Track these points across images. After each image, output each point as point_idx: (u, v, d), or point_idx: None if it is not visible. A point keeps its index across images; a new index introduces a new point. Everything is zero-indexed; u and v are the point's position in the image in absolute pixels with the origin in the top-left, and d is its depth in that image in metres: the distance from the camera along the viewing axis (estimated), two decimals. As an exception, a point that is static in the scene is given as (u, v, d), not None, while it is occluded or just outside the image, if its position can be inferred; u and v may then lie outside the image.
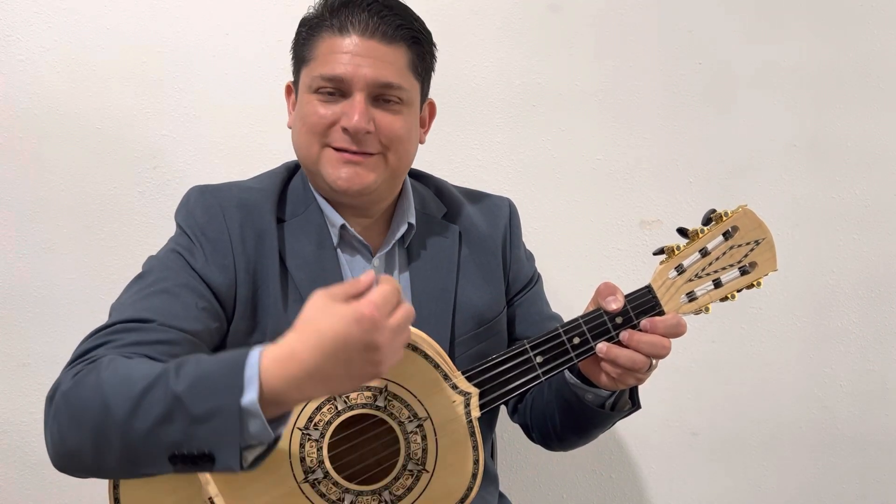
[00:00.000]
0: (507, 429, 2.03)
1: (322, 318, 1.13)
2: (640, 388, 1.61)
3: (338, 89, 1.54)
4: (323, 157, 1.55)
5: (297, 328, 1.15)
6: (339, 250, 1.62)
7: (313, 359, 1.12)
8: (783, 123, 2.43)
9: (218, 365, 1.18)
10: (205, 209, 1.54)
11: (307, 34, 1.60)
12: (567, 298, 1.95)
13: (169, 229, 1.59)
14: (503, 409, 1.85)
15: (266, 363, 1.14)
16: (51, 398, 1.27)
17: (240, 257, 1.52)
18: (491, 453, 1.90)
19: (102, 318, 1.40)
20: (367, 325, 1.11)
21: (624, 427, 2.42)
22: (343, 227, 1.61)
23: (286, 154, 1.70)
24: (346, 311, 1.12)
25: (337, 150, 1.54)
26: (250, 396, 1.13)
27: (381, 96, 1.55)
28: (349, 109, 1.52)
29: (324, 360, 1.12)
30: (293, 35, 1.66)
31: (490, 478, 1.75)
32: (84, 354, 1.31)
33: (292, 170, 1.70)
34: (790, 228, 2.44)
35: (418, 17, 1.63)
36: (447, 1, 2.29)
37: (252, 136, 2.24)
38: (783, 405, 2.50)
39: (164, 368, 1.19)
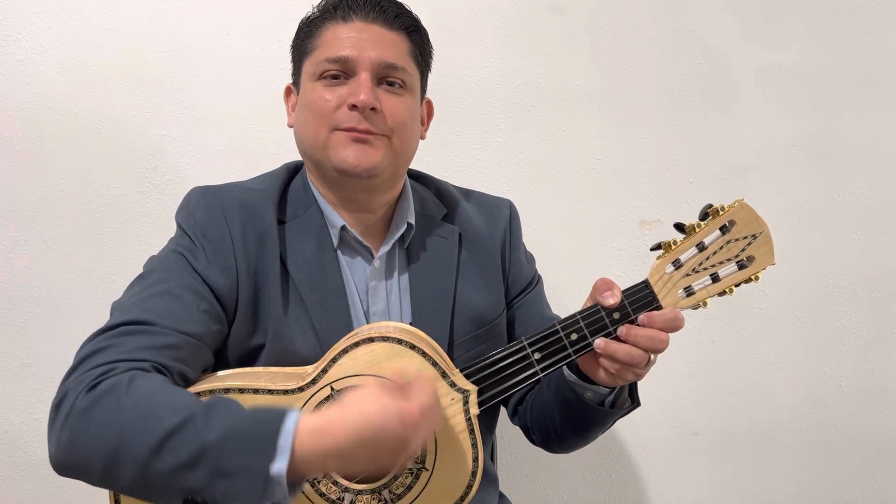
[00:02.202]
0: (507, 430, 2.03)
1: (369, 405, 1.17)
2: (640, 388, 1.61)
3: (342, 72, 1.55)
4: (331, 140, 1.55)
5: (341, 405, 1.19)
6: (339, 251, 1.62)
7: (349, 440, 1.16)
8: (783, 123, 2.43)
9: (253, 422, 1.20)
10: (206, 210, 1.54)
11: (308, 29, 1.63)
12: (567, 298, 1.95)
13: (169, 229, 1.59)
14: (503, 411, 1.84)
15: (301, 433, 1.16)
16: (58, 405, 1.26)
17: (241, 259, 1.51)
18: (491, 455, 1.89)
19: (103, 319, 1.40)
20: (411, 428, 1.17)
21: (624, 427, 2.42)
22: (343, 228, 1.61)
23: (286, 154, 1.70)
24: (395, 407, 1.16)
25: (345, 130, 1.54)
26: (279, 466, 1.15)
27: (385, 78, 1.57)
28: (355, 88, 1.53)
29: (358, 444, 1.16)
30: (293, 35, 1.67)
31: (490, 479, 1.74)
32: (90, 357, 1.31)
33: (293, 171, 1.70)
34: (790, 228, 2.44)
35: (414, 12, 1.67)
36: (447, 1, 2.29)
37: (252, 136, 2.24)
38: (783, 405, 2.50)
39: (192, 410, 1.20)
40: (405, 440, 1.17)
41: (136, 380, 1.25)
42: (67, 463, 1.25)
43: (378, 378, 1.21)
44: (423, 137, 1.72)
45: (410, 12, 1.65)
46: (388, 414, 1.16)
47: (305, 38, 1.63)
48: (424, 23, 1.69)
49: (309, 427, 1.17)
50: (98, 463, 1.21)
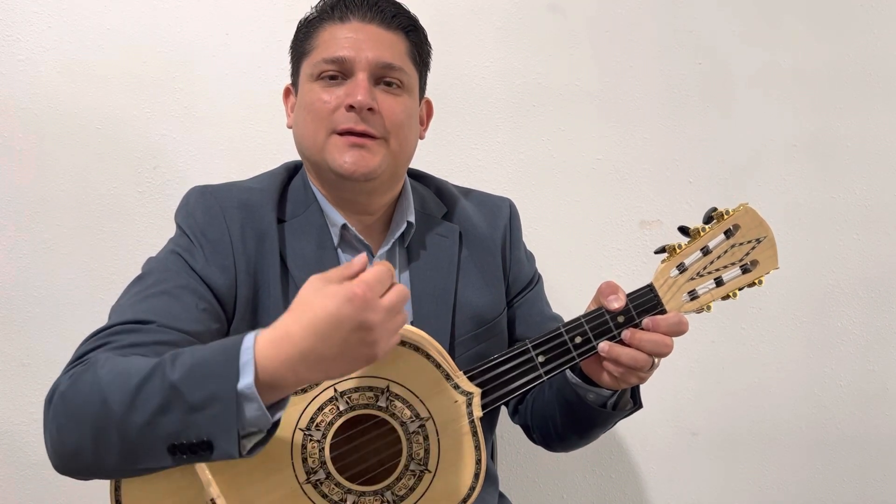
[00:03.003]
0: (508, 430, 2.03)
1: (315, 298, 1.15)
2: (641, 388, 1.61)
3: (340, 72, 1.55)
4: (329, 143, 1.54)
5: (292, 309, 1.17)
6: (339, 250, 1.61)
7: (307, 339, 1.13)
8: (783, 123, 2.44)
9: (213, 351, 1.18)
10: (205, 210, 1.54)
11: (306, 30, 1.63)
12: (567, 298, 1.95)
13: (169, 229, 1.59)
14: (504, 409, 1.85)
15: (261, 346, 1.15)
16: (49, 400, 1.27)
17: (240, 258, 1.51)
18: (491, 454, 1.89)
19: (102, 318, 1.40)
20: (360, 304, 1.12)
21: (624, 427, 2.42)
22: (344, 226, 1.61)
23: (286, 154, 1.70)
24: (339, 290, 1.13)
25: (342, 133, 1.53)
26: (246, 381, 1.14)
27: (382, 78, 1.57)
28: (353, 89, 1.53)
29: (317, 339, 1.13)
30: (292, 36, 1.67)
31: (490, 478, 1.74)
32: (83, 356, 1.31)
33: (292, 170, 1.70)
34: (790, 228, 2.44)
35: (412, 13, 1.67)
36: (447, 1, 2.29)
37: (252, 136, 2.24)
38: (783, 405, 2.51)
39: (160, 360, 1.20)
40: (364, 320, 1.13)
41: (112, 358, 1.26)
42: (62, 453, 1.25)
43: (321, 273, 1.18)
44: (422, 137, 1.72)
45: (408, 12, 1.66)
46: (336, 299, 1.12)
47: (303, 38, 1.63)
48: (424, 23, 1.69)
49: (267, 338, 1.15)
50: (87, 441, 1.21)
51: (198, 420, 1.15)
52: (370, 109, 1.53)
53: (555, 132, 2.37)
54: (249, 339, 1.16)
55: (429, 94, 1.76)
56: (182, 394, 1.15)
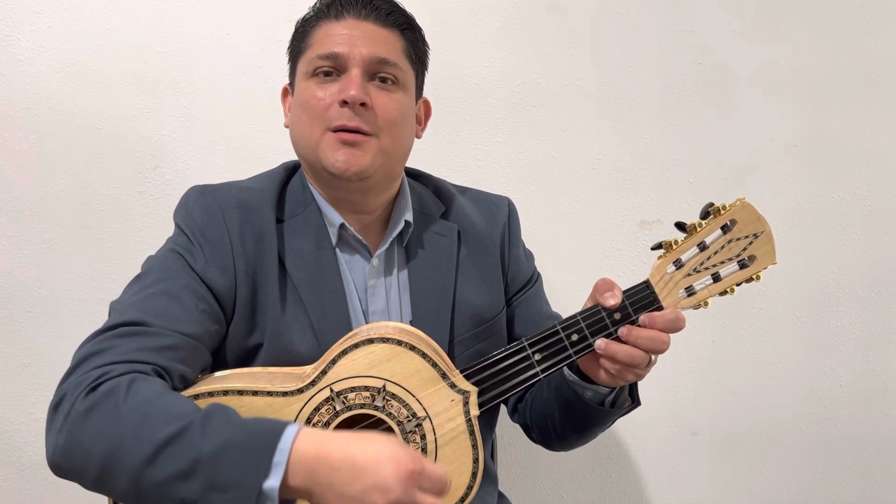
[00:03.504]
0: (507, 429, 2.03)
1: (374, 441, 1.18)
2: (640, 388, 1.62)
3: (334, 69, 1.55)
4: (323, 141, 1.54)
5: (345, 433, 1.20)
6: (337, 250, 1.61)
7: (340, 470, 1.16)
8: (783, 123, 2.43)
9: (249, 436, 1.19)
10: (204, 210, 1.54)
11: (303, 30, 1.64)
12: (567, 298, 1.95)
13: (169, 229, 1.59)
14: (503, 409, 1.84)
15: (297, 452, 1.17)
16: (56, 407, 1.26)
17: (239, 258, 1.51)
18: (491, 454, 1.89)
19: (103, 319, 1.40)
20: (403, 476, 1.15)
21: (624, 427, 2.42)
22: (342, 226, 1.61)
23: (286, 154, 1.70)
24: (396, 450, 1.17)
25: (335, 131, 1.53)
26: (272, 483, 1.15)
27: (377, 74, 1.57)
28: (346, 84, 1.53)
29: (348, 475, 1.16)
30: (290, 36, 1.68)
31: (490, 478, 1.74)
32: (88, 359, 1.30)
33: (291, 170, 1.70)
34: (790, 228, 2.44)
35: (408, 11, 1.67)
36: (447, 1, 2.29)
37: (252, 136, 2.24)
38: (783, 405, 2.50)
39: (189, 420, 1.19)
40: (391, 486, 1.14)
41: (135, 384, 1.25)
42: (63, 465, 1.24)
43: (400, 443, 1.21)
44: (418, 136, 1.72)
45: (404, 10, 1.66)
46: (389, 453, 1.15)
47: (300, 38, 1.64)
48: (424, 23, 1.69)
49: (306, 444, 1.17)
50: (93, 467, 1.20)
51: (215, 499, 1.16)
52: (363, 105, 1.52)
53: (555, 132, 2.37)
54: (288, 436, 1.18)
55: (429, 94, 1.76)
56: (207, 470, 1.15)
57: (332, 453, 1.16)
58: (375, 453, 1.16)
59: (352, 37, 1.55)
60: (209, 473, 1.15)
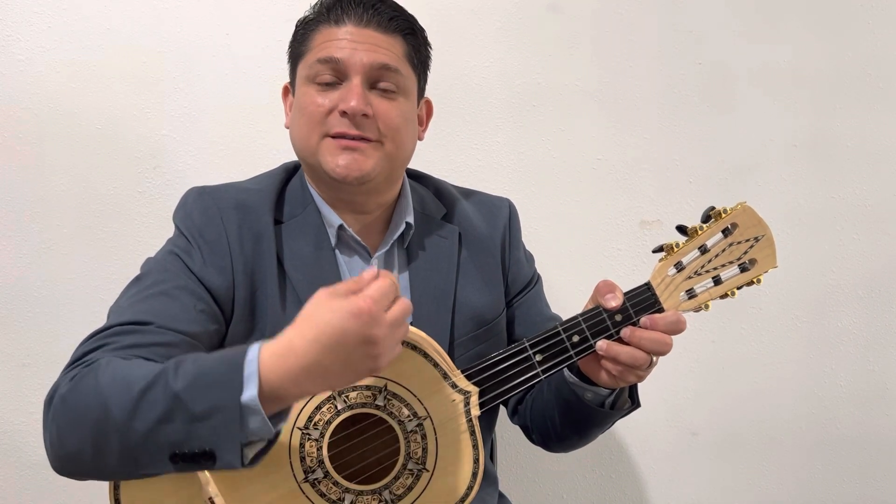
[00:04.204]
0: (507, 430, 2.03)
1: (321, 312, 1.15)
2: (641, 389, 1.61)
3: (335, 76, 1.54)
4: (322, 146, 1.54)
5: (297, 323, 1.16)
6: (337, 251, 1.61)
7: (311, 353, 1.13)
8: (783, 123, 2.43)
9: (217, 362, 1.18)
10: (202, 211, 1.54)
11: (303, 32, 1.62)
12: (567, 298, 1.95)
13: (169, 229, 1.59)
14: (503, 410, 1.84)
15: (265, 358, 1.15)
16: (49, 402, 1.27)
17: (238, 259, 1.51)
18: (490, 454, 1.89)
19: (102, 318, 1.40)
20: (365, 319, 1.13)
21: (624, 427, 2.43)
22: (341, 227, 1.61)
23: (286, 154, 1.70)
24: (344, 304, 1.13)
25: (335, 137, 1.53)
26: (250, 393, 1.14)
27: (378, 81, 1.56)
28: (346, 94, 1.52)
29: (322, 353, 1.13)
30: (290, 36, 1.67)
31: (490, 479, 1.74)
32: (81, 358, 1.31)
33: (290, 171, 1.70)
34: (790, 228, 2.44)
35: (411, 14, 1.66)
36: (447, 1, 2.29)
37: (252, 136, 2.24)
38: (783, 405, 2.51)
39: (162, 368, 1.20)
40: (368, 335, 1.13)
41: (113, 362, 1.26)
42: (62, 455, 1.25)
43: (328, 287, 1.19)
44: (420, 138, 1.71)
45: (406, 14, 1.64)
46: (341, 313, 1.13)
47: (300, 40, 1.63)
48: (424, 23, 1.68)
49: (271, 350, 1.16)
50: (87, 445, 1.21)
51: (200, 430, 1.15)
52: (364, 115, 1.52)
53: (555, 132, 2.37)
54: (254, 350, 1.17)
55: (429, 94, 1.76)
56: (185, 404, 1.15)
57: (295, 345, 1.15)
58: (329, 320, 1.13)
59: (352, 42, 1.54)
60: (188, 407, 1.15)
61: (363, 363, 1.16)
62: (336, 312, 1.13)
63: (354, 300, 1.14)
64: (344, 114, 1.52)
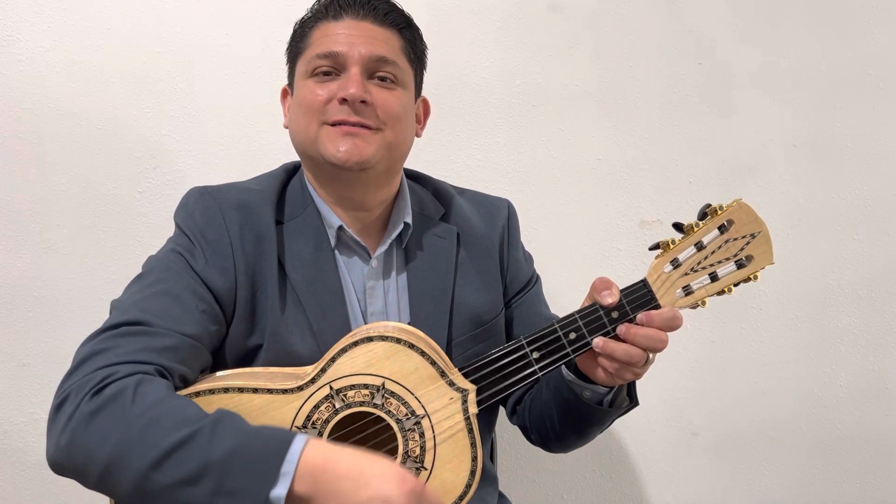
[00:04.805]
0: (507, 430, 2.03)
1: (382, 459, 1.21)
2: (640, 389, 1.61)
3: (334, 68, 1.56)
4: (321, 134, 1.54)
5: (355, 449, 1.22)
6: (336, 252, 1.61)
7: (348, 479, 1.18)
8: (783, 123, 2.44)
9: (258, 444, 1.20)
10: (204, 211, 1.54)
11: (301, 30, 1.64)
12: (567, 298, 1.95)
13: (169, 229, 1.59)
14: (502, 410, 1.84)
15: (304, 462, 1.18)
16: (59, 406, 1.26)
17: (239, 259, 1.51)
18: (490, 455, 1.89)
19: (103, 319, 1.40)
20: (407, 490, 1.17)
21: (624, 427, 2.42)
22: (340, 228, 1.61)
23: (286, 154, 1.70)
24: (403, 472, 1.20)
25: (335, 125, 1.53)
26: (279, 492, 1.16)
27: (376, 72, 1.57)
28: (345, 83, 1.53)
29: (354, 480, 1.18)
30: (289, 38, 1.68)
31: (489, 479, 1.74)
32: (90, 359, 1.30)
33: (291, 171, 1.70)
34: (790, 228, 2.44)
35: (406, 11, 1.68)
36: (447, 1, 2.29)
37: (252, 136, 2.25)
38: (783, 405, 2.50)
39: (198, 425, 1.20)
40: (395, 499, 1.16)
41: (141, 386, 1.25)
42: (65, 464, 1.25)
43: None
44: (418, 135, 1.72)
45: (401, 10, 1.66)
46: (395, 471, 1.18)
47: (299, 39, 1.64)
48: (424, 23, 1.69)
49: (313, 454, 1.18)
50: (96, 469, 1.21)
51: (221, 503, 1.17)
52: (363, 102, 1.53)
53: (555, 132, 2.37)
54: (297, 447, 1.19)
55: (429, 94, 1.76)
56: (215, 476, 1.17)
57: (339, 464, 1.18)
58: (381, 469, 1.18)
59: (350, 36, 1.56)
60: (217, 479, 1.16)
61: None
62: (391, 468, 1.19)
63: (412, 475, 1.20)
64: (343, 101, 1.52)
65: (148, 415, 1.21)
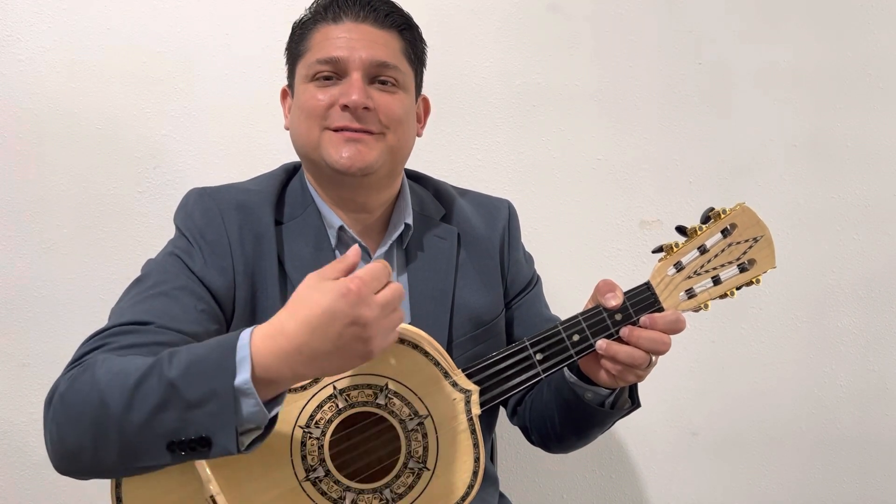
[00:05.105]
0: (508, 430, 2.03)
1: (310, 294, 1.16)
2: (641, 389, 1.61)
3: (335, 73, 1.55)
4: (323, 139, 1.55)
5: (288, 305, 1.18)
6: (337, 252, 1.61)
7: (301, 334, 1.14)
8: (783, 123, 2.44)
9: (210, 348, 1.20)
10: (203, 212, 1.54)
11: (301, 32, 1.63)
12: (567, 298, 1.95)
13: (169, 230, 1.59)
14: (503, 410, 1.84)
15: (256, 342, 1.16)
16: (49, 401, 1.27)
17: (238, 259, 1.51)
18: (491, 455, 1.89)
19: (102, 319, 1.40)
20: (353, 299, 1.13)
21: (624, 427, 2.42)
22: (341, 228, 1.61)
23: (286, 154, 1.70)
24: (333, 285, 1.14)
25: (337, 130, 1.54)
26: (243, 376, 1.15)
27: (377, 76, 1.57)
28: (347, 88, 1.53)
29: (311, 334, 1.14)
30: (287, 38, 1.68)
31: (490, 479, 1.75)
32: (81, 358, 1.31)
33: (291, 172, 1.70)
34: (790, 228, 2.44)
35: (406, 11, 1.67)
36: (447, 1, 2.29)
37: (252, 137, 2.25)
38: (783, 405, 2.51)
39: (157, 359, 1.20)
40: (358, 315, 1.14)
41: (110, 358, 1.26)
42: (62, 453, 1.25)
43: (317, 270, 1.20)
44: (419, 135, 1.72)
45: (401, 10, 1.65)
46: (330, 294, 1.14)
47: (298, 40, 1.63)
48: (424, 23, 1.69)
49: (262, 333, 1.17)
50: (86, 440, 1.21)
51: (196, 417, 1.16)
52: (366, 108, 1.53)
53: (555, 132, 2.37)
54: (245, 335, 1.17)
55: (429, 94, 1.76)
56: (180, 391, 1.16)
57: (286, 328, 1.15)
58: (319, 300, 1.14)
59: (350, 40, 1.55)
60: (182, 394, 1.16)
61: (353, 346, 1.17)
62: (325, 294, 1.14)
63: (343, 281, 1.15)
64: (345, 108, 1.52)
65: (113, 370, 1.22)
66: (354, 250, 1.21)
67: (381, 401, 1.41)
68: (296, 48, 1.64)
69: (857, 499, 2.56)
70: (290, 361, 1.16)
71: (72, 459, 1.25)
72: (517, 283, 1.80)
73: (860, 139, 2.46)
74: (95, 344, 1.33)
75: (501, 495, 1.82)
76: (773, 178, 2.44)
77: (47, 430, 1.26)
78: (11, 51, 2.15)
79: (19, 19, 2.14)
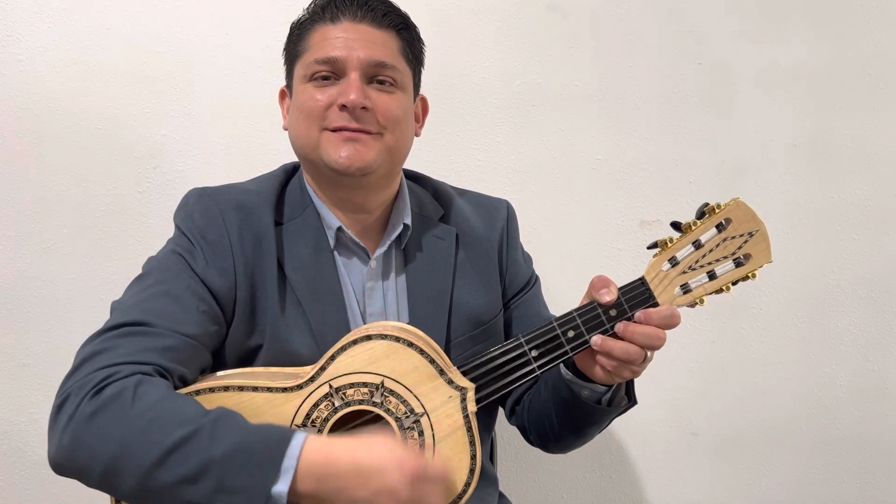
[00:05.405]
0: (507, 430, 2.03)
1: (378, 444, 1.22)
2: (640, 389, 1.61)
3: (333, 73, 1.55)
4: (322, 140, 1.55)
5: (353, 440, 1.23)
6: (335, 253, 1.62)
7: (347, 470, 1.20)
8: (783, 123, 2.44)
9: (259, 440, 1.21)
10: (203, 212, 1.54)
11: (299, 32, 1.64)
12: (566, 298, 1.94)
13: (169, 229, 1.59)
14: (501, 411, 1.84)
15: (306, 454, 1.20)
16: (60, 407, 1.26)
17: (239, 260, 1.52)
18: (490, 455, 1.89)
19: (103, 319, 1.40)
20: (407, 478, 1.19)
21: (624, 427, 2.42)
22: (340, 229, 1.61)
23: (286, 154, 1.70)
24: (400, 454, 1.21)
25: (335, 130, 1.54)
26: (281, 488, 1.18)
27: (375, 76, 1.57)
28: (345, 88, 1.53)
29: (354, 475, 1.20)
30: (285, 38, 1.68)
31: (489, 479, 1.74)
32: (91, 359, 1.31)
33: (290, 172, 1.70)
34: (790, 228, 2.44)
35: (403, 11, 1.67)
36: (447, 1, 2.29)
37: (252, 137, 2.25)
38: (783, 405, 2.50)
39: (199, 424, 1.21)
40: (398, 489, 1.18)
41: (141, 386, 1.26)
42: (67, 465, 1.25)
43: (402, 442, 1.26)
44: (417, 134, 1.72)
45: (399, 10, 1.65)
46: (392, 457, 1.19)
47: (296, 41, 1.64)
48: (424, 23, 1.70)
49: (313, 448, 1.20)
50: (98, 468, 1.21)
51: (223, 500, 1.18)
52: (364, 108, 1.53)
53: (555, 132, 2.37)
54: (297, 443, 1.20)
55: (429, 93, 1.76)
56: (216, 473, 1.18)
57: (339, 459, 1.19)
58: (379, 457, 1.19)
59: (348, 40, 1.55)
60: (218, 477, 1.17)
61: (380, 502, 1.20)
62: (390, 455, 1.20)
63: (411, 458, 1.20)
64: (343, 108, 1.52)
65: (149, 414, 1.22)
66: (438, 464, 1.31)
67: (377, 399, 1.41)
68: (294, 48, 1.64)
69: (857, 499, 2.55)
70: (324, 488, 1.19)
71: (74, 472, 1.26)
72: (516, 282, 1.80)
73: (860, 139, 2.46)
74: (105, 345, 1.33)
75: (501, 495, 1.82)
76: (773, 178, 2.44)
77: (57, 435, 1.26)
78: (11, 51, 2.15)
79: (19, 19, 2.15)
